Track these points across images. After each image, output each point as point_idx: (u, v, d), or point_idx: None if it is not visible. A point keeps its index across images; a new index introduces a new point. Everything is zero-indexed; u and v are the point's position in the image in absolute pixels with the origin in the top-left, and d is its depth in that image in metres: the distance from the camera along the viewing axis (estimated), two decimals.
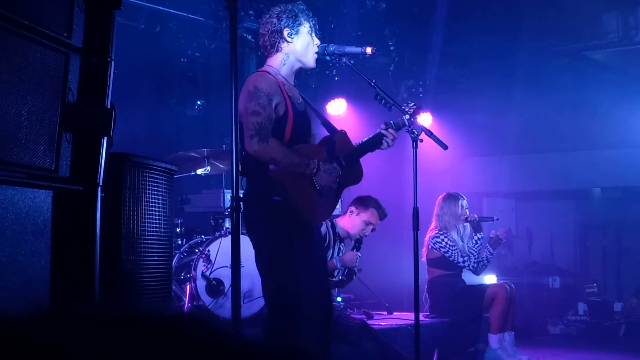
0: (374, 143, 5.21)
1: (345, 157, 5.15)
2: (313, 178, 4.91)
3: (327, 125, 5.36)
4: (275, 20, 5.03)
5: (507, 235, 8.52)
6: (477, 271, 8.37)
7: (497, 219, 8.96)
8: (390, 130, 5.21)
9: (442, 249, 8.22)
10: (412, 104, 5.45)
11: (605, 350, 9.80)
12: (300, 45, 5.05)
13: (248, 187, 4.95)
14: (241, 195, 4.03)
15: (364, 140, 5.22)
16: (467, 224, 8.41)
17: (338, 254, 7.15)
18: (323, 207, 5.06)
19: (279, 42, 5.02)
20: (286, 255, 4.80)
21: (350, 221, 7.23)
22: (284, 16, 5.02)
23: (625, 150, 12.22)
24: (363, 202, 7.25)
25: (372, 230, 7.33)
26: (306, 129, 5.13)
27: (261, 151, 4.70)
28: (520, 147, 12.98)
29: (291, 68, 5.10)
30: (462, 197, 8.46)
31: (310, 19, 5.11)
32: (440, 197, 8.51)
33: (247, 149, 4.70)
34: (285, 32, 5.01)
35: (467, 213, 8.39)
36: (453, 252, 8.20)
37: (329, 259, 6.90)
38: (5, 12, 2.77)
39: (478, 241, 8.32)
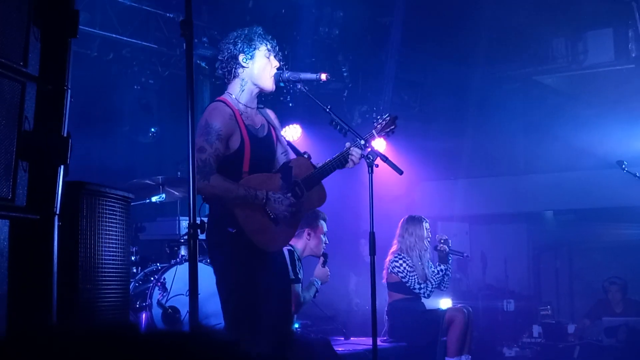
0: (337, 163, 5.15)
1: (303, 181, 5.09)
2: (266, 208, 4.88)
3: (292, 147, 5.38)
4: (231, 46, 5.03)
5: (445, 245, 8.45)
6: (429, 295, 8.33)
7: (468, 256, 8.98)
8: (354, 149, 5.19)
9: (400, 274, 8.18)
10: (387, 115, 5.46)
11: None
12: (256, 69, 5.03)
13: (210, 214, 4.98)
14: (204, 221, 4.00)
15: (326, 162, 5.15)
16: (428, 249, 8.38)
17: (299, 274, 7.16)
18: (279, 235, 5.00)
19: (235, 68, 5.02)
20: (246, 281, 4.80)
21: (313, 242, 7.21)
22: (239, 41, 5.02)
23: (576, 173, 12.38)
24: (313, 221, 7.24)
25: None
26: (266, 156, 5.10)
27: (202, 189, 4.74)
28: (473, 171, 13.10)
29: (250, 93, 5.07)
30: (425, 220, 8.47)
31: (268, 42, 5.08)
32: (403, 219, 8.50)
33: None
34: (241, 57, 5.01)
35: (430, 235, 8.39)
36: (410, 277, 8.15)
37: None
38: None
39: (440, 272, 8.30)
